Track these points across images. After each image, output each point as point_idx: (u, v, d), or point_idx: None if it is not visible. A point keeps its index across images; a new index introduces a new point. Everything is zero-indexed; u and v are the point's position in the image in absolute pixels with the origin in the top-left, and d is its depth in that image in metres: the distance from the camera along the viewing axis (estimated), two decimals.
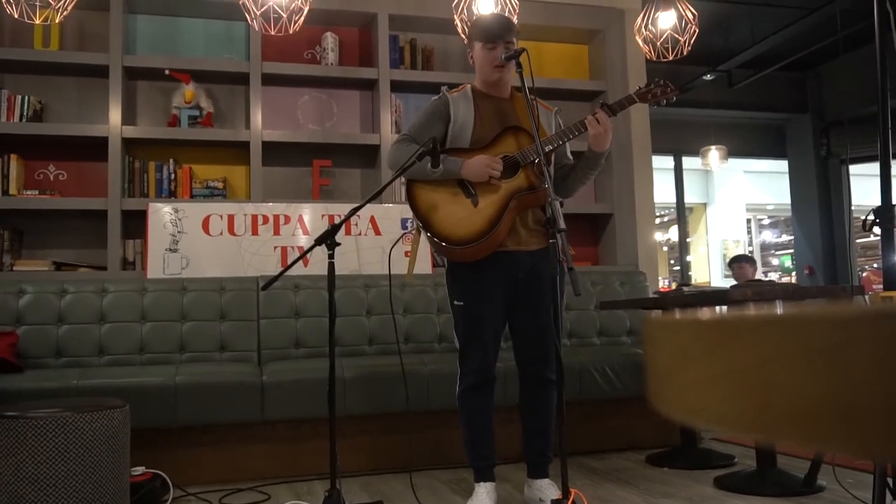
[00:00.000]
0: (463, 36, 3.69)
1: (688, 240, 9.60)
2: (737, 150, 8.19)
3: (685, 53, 4.05)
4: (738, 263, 5.91)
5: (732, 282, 6.45)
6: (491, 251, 2.45)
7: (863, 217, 2.62)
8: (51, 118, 4.08)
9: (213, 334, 3.57)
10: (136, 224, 3.97)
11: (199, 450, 3.12)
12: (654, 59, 4.10)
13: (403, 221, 4.10)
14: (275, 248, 3.91)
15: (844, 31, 5.99)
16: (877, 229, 2.59)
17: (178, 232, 3.83)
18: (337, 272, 3.81)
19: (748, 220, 11.23)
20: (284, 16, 3.54)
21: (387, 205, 4.13)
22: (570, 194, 2.68)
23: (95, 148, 4.03)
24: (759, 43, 6.42)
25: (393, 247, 2.73)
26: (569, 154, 2.71)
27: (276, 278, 2.40)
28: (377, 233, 4.05)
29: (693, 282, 10.23)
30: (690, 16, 4.00)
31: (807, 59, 7.00)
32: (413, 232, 2.61)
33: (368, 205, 2.58)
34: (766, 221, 12.11)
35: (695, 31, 4.00)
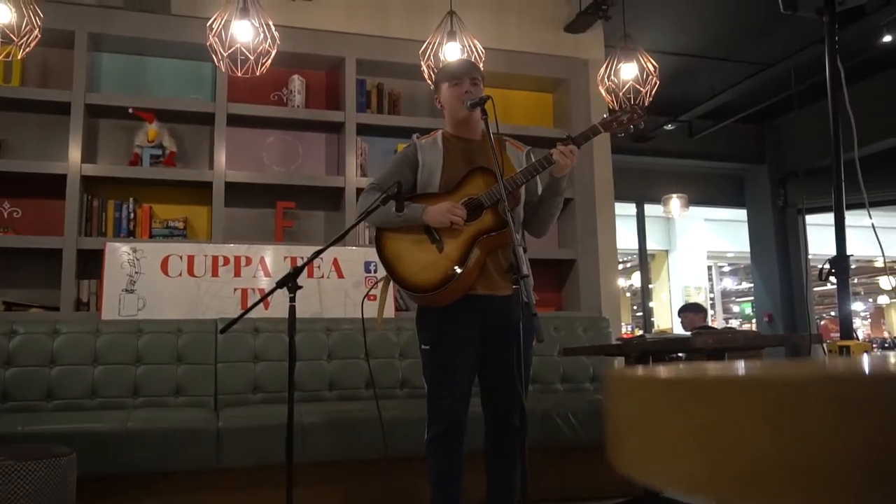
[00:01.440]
0: (429, 81, 3.74)
1: (650, 286, 9.72)
2: (697, 198, 8.38)
3: (647, 104, 4.16)
4: (684, 313, 6.02)
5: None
6: (460, 295, 2.45)
7: (819, 266, 2.70)
8: (8, 154, 4.02)
9: (169, 378, 3.49)
10: (92, 264, 3.90)
11: (151, 499, 3.02)
12: (617, 108, 4.20)
13: (367, 265, 4.09)
14: (235, 290, 3.86)
15: (799, 86, 6.22)
16: (832, 279, 2.66)
17: (136, 272, 3.77)
18: (298, 315, 3.77)
19: (709, 268, 11.42)
20: (252, 58, 3.56)
21: (350, 247, 4.12)
22: (543, 230, 2.69)
23: (53, 185, 3.97)
24: (719, 95, 6.63)
25: (365, 296, 2.71)
26: (539, 191, 2.73)
27: (235, 321, 2.36)
28: (340, 275, 4.03)
29: (655, 328, 10.32)
30: (651, 68, 4.12)
31: (764, 112, 7.23)
32: (380, 278, 2.60)
33: (332, 247, 2.56)
34: (727, 268, 12.33)
35: (656, 83, 4.12)
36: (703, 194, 8.44)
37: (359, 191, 4.22)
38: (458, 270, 2.40)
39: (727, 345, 3.12)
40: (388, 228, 2.53)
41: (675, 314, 10.43)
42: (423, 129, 2.78)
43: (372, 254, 4.00)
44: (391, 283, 2.54)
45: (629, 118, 2.64)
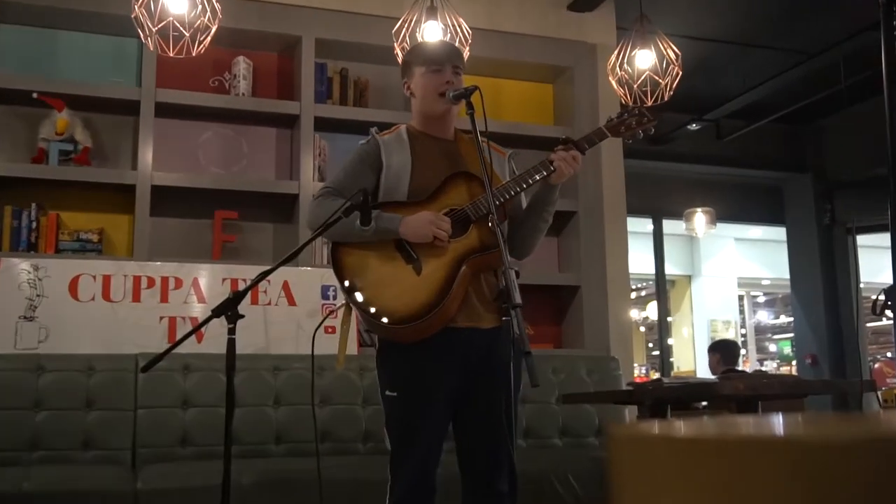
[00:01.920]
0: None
1: (669, 319, 9.77)
2: (727, 213, 8.44)
3: (666, 98, 4.20)
4: (713, 353, 6.01)
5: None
6: (438, 329, 2.43)
7: (873, 297, 2.72)
8: None
9: (76, 427, 3.45)
10: None
11: None
12: (630, 103, 4.23)
13: (325, 289, 4.07)
14: (161, 318, 3.83)
15: (849, 80, 6.30)
16: (889, 313, 2.68)
17: (38, 295, 3.72)
18: (239, 351, 3.74)
19: (740, 297, 11.50)
20: (187, 34, 3.55)
21: (304, 268, 4.10)
22: (528, 250, 2.69)
23: None
24: (752, 90, 6.70)
25: (317, 328, 2.67)
26: (524, 203, 2.73)
27: (160, 357, 2.34)
28: (291, 302, 4.01)
29: (675, 370, 10.35)
30: (673, 55, 4.16)
31: (806, 111, 7.32)
32: (341, 306, 2.58)
33: (282, 268, 2.55)
34: (762, 299, 12.42)
35: (678, 74, 4.16)
36: (734, 209, 8.51)
37: None
38: (443, 301, 2.38)
39: (761, 392, 3.13)
40: (347, 244, 2.52)
41: (699, 352, 10.50)
42: (387, 125, 2.77)
43: (331, 276, 3.98)
44: (353, 313, 2.52)
45: (637, 121, 2.66)
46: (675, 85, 4.17)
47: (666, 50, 4.18)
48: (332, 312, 3.14)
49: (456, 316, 2.45)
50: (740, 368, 6.24)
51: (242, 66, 4.45)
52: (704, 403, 4.13)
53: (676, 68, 4.15)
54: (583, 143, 2.59)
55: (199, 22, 3.56)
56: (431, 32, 3.92)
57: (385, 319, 2.40)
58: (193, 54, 3.61)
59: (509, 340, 2.11)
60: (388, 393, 2.50)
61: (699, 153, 7.73)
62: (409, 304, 2.40)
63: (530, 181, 2.54)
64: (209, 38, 3.60)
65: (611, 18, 5.10)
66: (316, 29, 4.47)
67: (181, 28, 3.55)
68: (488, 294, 2.52)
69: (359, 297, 2.44)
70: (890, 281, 2.73)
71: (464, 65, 2.64)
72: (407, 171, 2.56)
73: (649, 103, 4.20)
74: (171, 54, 3.60)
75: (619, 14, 5.09)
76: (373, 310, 2.41)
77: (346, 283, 2.47)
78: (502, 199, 2.49)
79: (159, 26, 3.52)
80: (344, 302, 2.53)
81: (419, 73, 2.61)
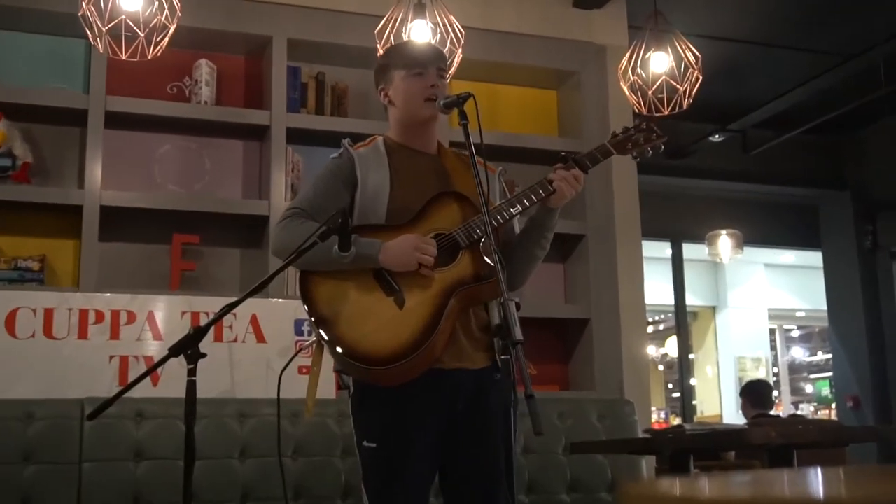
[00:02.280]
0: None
1: (691, 356, 9.76)
2: (755, 236, 8.47)
3: (685, 107, 4.22)
4: (745, 397, 6.03)
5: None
6: (422, 371, 2.42)
7: None
8: None
9: (11, 485, 3.41)
10: None
11: None
12: (645, 112, 4.25)
13: (298, 324, 4.06)
14: (111, 358, 3.81)
15: (891, 86, 6.33)
16: None
17: None
18: (200, 394, 3.72)
19: (772, 331, 11.51)
20: (142, 35, 3.56)
21: (275, 300, 4.09)
22: (522, 281, 2.70)
23: None
24: (782, 97, 6.73)
25: (285, 367, 2.66)
26: (517, 228, 2.74)
27: (110, 402, 2.32)
28: (260, 339, 3.99)
29: (699, 415, 10.33)
30: (692, 58, 4.19)
31: (844, 120, 7.35)
32: (311, 343, 2.57)
33: (249, 300, 2.53)
34: (796, 333, 12.43)
35: (697, 79, 4.18)
36: (763, 231, 8.54)
37: None
38: (430, 339, 2.37)
39: (796, 440, 3.12)
40: (318, 272, 2.51)
41: (725, 394, 10.48)
42: (362, 136, 2.77)
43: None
44: (325, 349, 2.51)
45: (646, 138, 2.68)
46: (694, 91, 4.19)
47: (684, 52, 4.20)
48: (302, 349, 3.12)
49: (442, 356, 2.45)
50: (773, 413, 6.24)
51: (205, 70, 4.45)
52: (733, 454, 4.13)
53: (696, 72, 4.17)
54: (585, 160, 2.60)
55: (155, 20, 3.57)
56: (419, 32, 3.93)
57: (361, 360, 2.39)
58: (149, 57, 3.61)
59: (508, 382, 2.10)
60: (365, 444, 2.49)
61: (723, 168, 7.76)
62: (390, 342, 2.39)
63: (527, 203, 2.54)
64: (167, 39, 3.60)
65: (622, 16, 5.13)
66: (288, 28, 4.48)
67: (135, 27, 3.55)
68: (476, 330, 2.52)
69: (330, 333, 2.43)
70: None
71: (447, 67, 2.65)
72: (385, 190, 2.56)
73: (666, 112, 4.22)
74: (124, 57, 3.60)
75: (630, 12, 5.11)
76: (347, 348, 2.40)
77: (317, 318, 2.46)
78: (498, 223, 2.50)
79: (110, 25, 3.53)
80: (315, 338, 2.52)
81: (399, 78, 2.62)
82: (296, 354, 3.01)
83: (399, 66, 2.63)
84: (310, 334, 4.01)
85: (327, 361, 2.56)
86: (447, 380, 2.46)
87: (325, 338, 2.43)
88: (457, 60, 3.97)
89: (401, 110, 2.65)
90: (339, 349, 2.40)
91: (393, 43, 3.90)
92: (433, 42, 3.83)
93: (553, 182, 2.54)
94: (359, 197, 2.57)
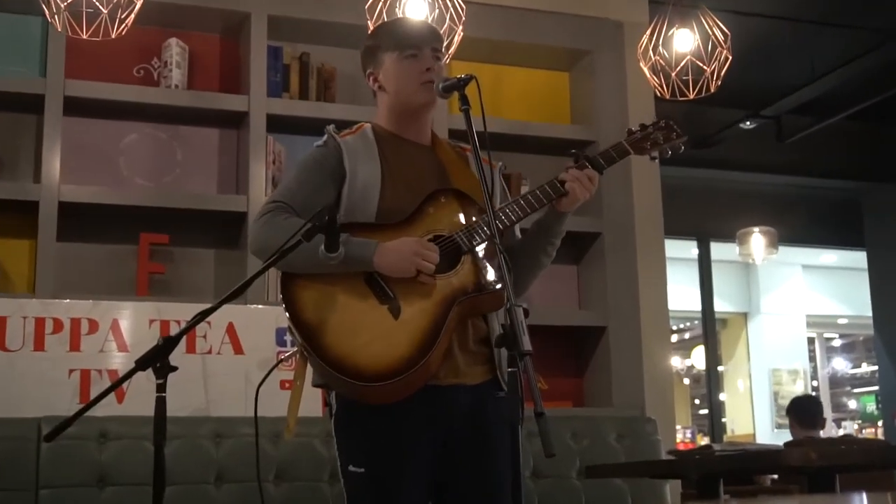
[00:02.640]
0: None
1: (720, 369, 9.77)
2: (791, 234, 8.46)
3: (713, 90, 4.22)
4: (794, 415, 6.03)
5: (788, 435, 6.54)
6: (418, 388, 2.42)
7: None
8: None
9: None
10: None
11: None
12: (668, 96, 4.25)
13: (281, 333, 4.06)
14: (71, 372, 3.81)
15: None
16: None
17: None
18: (171, 412, 3.71)
19: (810, 340, 11.51)
20: (104, 11, 3.56)
21: (254, 306, 4.09)
22: (523, 289, 2.71)
23: None
24: (821, 79, 6.72)
25: (263, 381, 2.66)
26: (518, 232, 2.75)
27: (70, 421, 2.32)
28: (237, 350, 4.00)
29: (729, 434, 10.33)
30: (720, 36, 4.18)
31: (889, 105, 7.35)
32: (292, 354, 2.57)
33: (226, 306, 2.53)
34: (838, 343, 12.43)
35: (727, 59, 4.18)
36: (800, 228, 8.53)
37: None
38: (429, 353, 2.37)
39: (839, 462, 3.12)
40: (302, 275, 2.51)
41: (758, 411, 10.47)
42: (351, 123, 2.77)
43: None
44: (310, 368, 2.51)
45: (665, 136, 2.71)
46: (723, 73, 4.19)
47: (712, 29, 4.20)
48: (283, 361, 3.12)
49: (437, 371, 2.45)
50: (823, 434, 6.22)
51: (175, 50, 4.45)
52: (774, 476, 4.12)
53: (725, 52, 4.17)
54: (599, 160, 2.61)
55: None
56: (415, 8, 3.93)
57: (350, 375, 2.39)
58: (113, 36, 3.61)
59: (515, 397, 2.10)
60: (351, 468, 2.49)
61: (755, 158, 7.76)
62: (383, 356, 2.39)
63: (536, 204, 2.55)
64: (132, 16, 3.60)
65: None
66: (268, 4, 4.48)
67: (97, 3, 3.55)
68: (473, 343, 2.53)
69: (315, 343, 2.43)
70: None
71: (443, 47, 2.66)
72: (376, 185, 2.55)
73: (691, 96, 4.23)
74: (85, 36, 3.60)
75: None
76: (334, 361, 2.40)
77: (300, 326, 2.45)
78: (503, 227, 2.50)
79: (69, 1, 3.53)
80: (300, 348, 2.51)
81: (390, 61, 2.62)
82: (275, 366, 2.98)
83: (390, 48, 2.63)
84: (292, 344, 4.01)
85: (310, 375, 2.56)
86: (442, 397, 2.47)
87: (310, 348, 2.42)
88: (457, 39, 3.97)
89: (392, 97, 2.64)
90: (324, 362, 2.40)
91: (386, 20, 3.90)
92: (430, 19, 3.82)
93: (565, 183, 2.55)
94: (346, 192, 2.56)
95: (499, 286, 2.42)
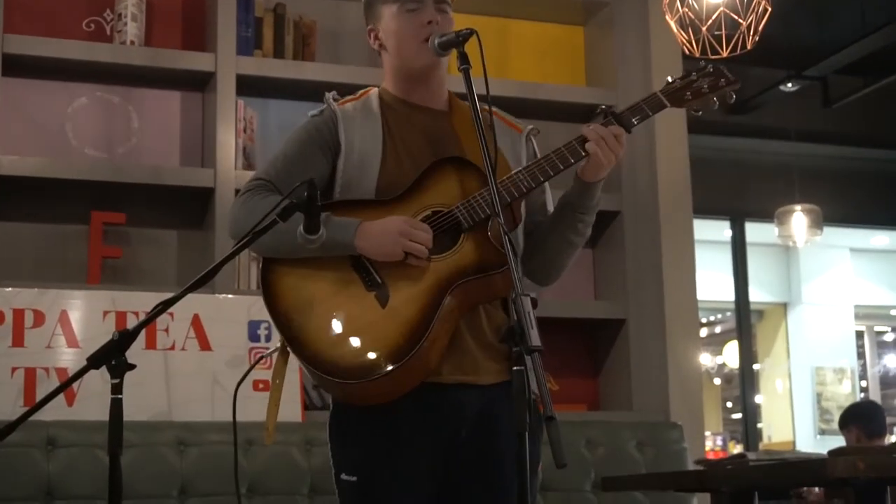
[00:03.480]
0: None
1: (756, 367, 9.79)
2: (838, 213, 8.46)
3: (750, 47, 4.22)
4: (850, 426, 6.06)
5: (837, 442, 6.57)
6: (413, 386, 2.44)
7: None
8: None
9: None
10: None
11: None
12: (697, 54, 4.24)
13: (254, 326, 4.07)
14: (13, 370, 3.82)
15: None
16: None
17: None
18: (128, 417, 3.73)
19: (859, 335, 11.53)
20: None
21: (223, 296, 4.10)
22: (553, 276, 2.72)
23: None
24: (874, 34, 6.72)
25: (241, 381, 2.67)
26: (550, 205, 2.74)
27: (12, 427, 2.33)
28: (204, 346, 4.00)
29: (765, 441, 10.37)
30: None
31: None
32: (274, 351, 2.58)
33: (191, 295, 2.53)
34: (890, 336, 12.45)
35: (766, 11, 4.18)
36: (848, 207, 8.54)
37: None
38: (417, 346, 2.38)
39: (890, 473, 3.13)
40: (284, 259, 2.52)
41: (799, 415, 10.50)
42: (347, 87, 2.77)
43: (262, 307, 3.98)
44: (290, 359, 2.53)
45: (711, 84, 2.67)
46: (761, 27, 4.19)
47: None
48: (261, 359, 3.13)
49: (440, 366, 2.46)
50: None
51: (131, 1, 4.44)
52: (816, 489, 4.13)
53: (764, 3, 4.18)
54: (629, 116, 2.59)
55: None
56: None
57: (330, 371, 2.40)
58: None
59: (522, 399, 2.11)
60: (344, 477, 2.51)
61: (798, 126, 7.76)
62: (367, 349, 2.41)
63: (551, 172, 2.54)
64: None
65: None
66: None
67: None
68: (491, 335, 2.52)
69: (294, 336, 2.45)
70: None
71: (449, 5, 2.65)
72: (376, 157, 2.56)
73: (725, 54, 4.22)
74: None
75: None
76: (316, 356, 2.42)
77: (281, 318, 2.47)
78: (510, 198, 2.49)
79: None
80: (279, 345, 2.53)
81: (389, 14, 2.62)
82: (254, 365, 3.00)
83: (388, 0, 2.63)
84: (268, 340, 4.02)
85: (293, 374, 2.58)
86: (447, 398, 2.48)
87: (292, 344, 2.44)
88: None
89: (394, 57, 2.64)
90: (302, 357, 2.42)
91: None
92: None
93: (586, 143, 2.54)
94: (342, 165, 2.57)
95: (504, 267, 2.41)
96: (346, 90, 2.73)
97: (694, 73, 2.67)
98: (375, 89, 2.70)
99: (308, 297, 2.48)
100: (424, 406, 2.46)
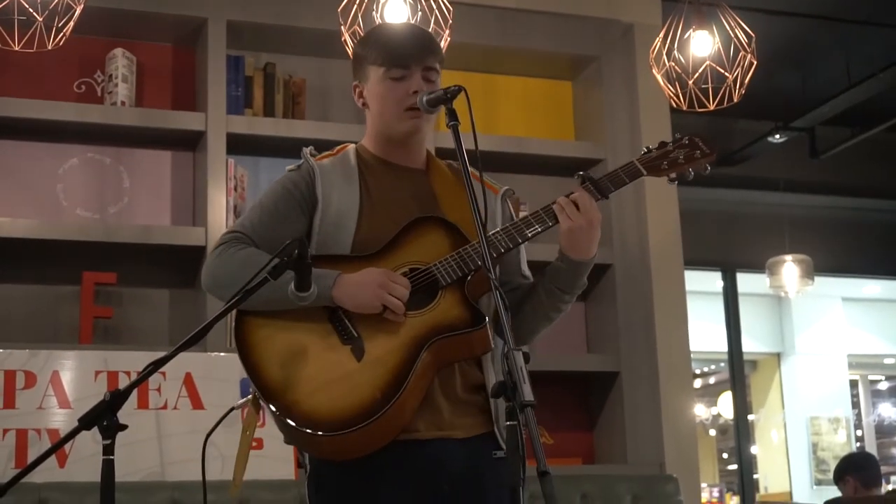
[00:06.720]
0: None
1: (751, 418, 9.76)
2: (829, 263, 8.47)
3: (736, 100, 4.24)
4: (848, 477, 6.05)
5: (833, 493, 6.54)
6: (386, 441, 2.42)
7: None
8: None
9: None
10: None
11: None
12: (685, 107, 4.26)
13: (245, 385, 4.05)
14: (5, 432, 3.80)
15: None
16: None
17: None
18: (121, 478, 3.70)
19: (853, 384, 11.50)
20: (40, 19, 3.57)
21: (215, 354, 4.09)
22: (526, 339, 2.71)
23: None
24: (860, 85, 6.75)
25: (212, 430, 2.66)
26: (524, 269, 2.73)
27: (4, 489, 2.31)
28: (196, 405, 3.99)
29: (762, 492, 10.31)
30: (744, 38, 4.21)
31: None
32: (243, 401, 2.57)
33: (183, 355, 2.52)
34: (884, 385, 12.43)
35: (752, 64, 4.20)
36: (839, 256, 8.55)
37: None
38: (393, 400, 2.37)
39: None
40: (259, 311, 2.51)
41: (795, 465, 10.45)
42: (336, 144, 2.78)
43: None
44: (263, 412, 2.51)
45: (687, 156, 2.68)
46: (748, 80, 4.21)
47: (734, 30, 4.23)
48: (231, 411, 3.08)
49: (416, 422, 2.45)
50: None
51: (122, 62, 4.45)
52: None
53: (749, 56, 4.20)
54: (606, 182, 2.60)
55: (56, 0, 3.58)
56: (395, 11, 3.95)
57: (303, 424, 2.38)
58: (49, 47, 3.62)
59: (516, 455, 2.10)
60: None
61: (786, 176, 7.79)
62: (341, 402, 2.39)
63: (529, 233, 2.54)
64: (72, 24, 3.61)
65: None
66: (228, 8, 4.50)
67: (30, 9, 3.56)
68: (462, 391, 2.51)
69: (273, 389, 2.43)
70: None
71: (441, 62, 2.65)
72: (353, 215, 2.55)
73: (712, 107, 4.24)
74: (17, 48, 3.61)
75: None
76: (291, 410, 2.39)
77: (254, 369, 2.46)
78: (479, 264, 2.49)
79: (1, 6, 3.54)
80: (252, 393, 2.51)
81: (375, 77, 2.61)
82: (225, 415, 2.96)
83: (376, 61, 2.61)
84: (248, 394, 4.01)
85: (270, 429, 2.56)
86: (426, 454, 2.46)
87: (265, 398, 2.43)
88: (444, 45, 3.98)
89: (375, 116, 2.64)
90: (275, 409, 2.40)
91: (360, 26, 3.92)
92: (412, 22, 3.83)
93: (555, 207, 2.53)
94: (318, 221, 2.56)
95: (481, 326, 2.41)
96: (330, 147, 2.74)
97: (670, 144, 2.69)
98: (353, 146, 2.70)
99: (282, 350, 2.47)
100: (404, 463, 2.44)
